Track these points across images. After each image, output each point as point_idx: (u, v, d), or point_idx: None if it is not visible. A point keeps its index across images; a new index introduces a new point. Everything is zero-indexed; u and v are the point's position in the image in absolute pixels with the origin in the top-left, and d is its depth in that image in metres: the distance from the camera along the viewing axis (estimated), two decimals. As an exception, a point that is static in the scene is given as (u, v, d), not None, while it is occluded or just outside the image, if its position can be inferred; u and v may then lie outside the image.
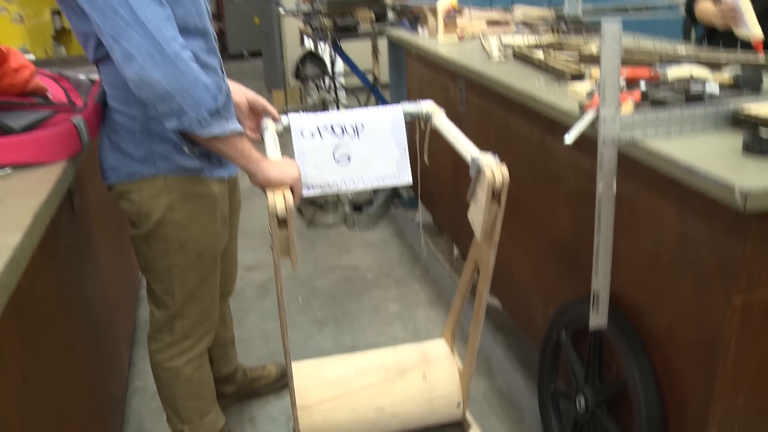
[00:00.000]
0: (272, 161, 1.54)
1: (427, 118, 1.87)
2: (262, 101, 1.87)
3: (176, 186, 1.59)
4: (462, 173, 2.96)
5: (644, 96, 1.56)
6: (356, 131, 1.76)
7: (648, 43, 2.53)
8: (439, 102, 3.10)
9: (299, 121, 1.72)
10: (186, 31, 1.46)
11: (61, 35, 4.72)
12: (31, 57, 3.37)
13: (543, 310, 2.22)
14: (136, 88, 1.36)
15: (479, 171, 1.50)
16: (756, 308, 1.31)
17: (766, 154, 1.27)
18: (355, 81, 4.72)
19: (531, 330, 2.35)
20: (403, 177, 1.82)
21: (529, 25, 3.35)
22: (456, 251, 3.31)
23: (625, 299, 1.67)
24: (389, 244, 3.71)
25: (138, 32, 1.30)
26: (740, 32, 2.38)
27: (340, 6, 4.07)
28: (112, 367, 2.13)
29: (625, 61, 2.23)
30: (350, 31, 4.11)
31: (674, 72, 1.75)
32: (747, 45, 2.38)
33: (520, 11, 3.64)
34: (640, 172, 1.47)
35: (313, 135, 1.73)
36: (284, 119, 1.75)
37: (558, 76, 2.09)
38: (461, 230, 3.13)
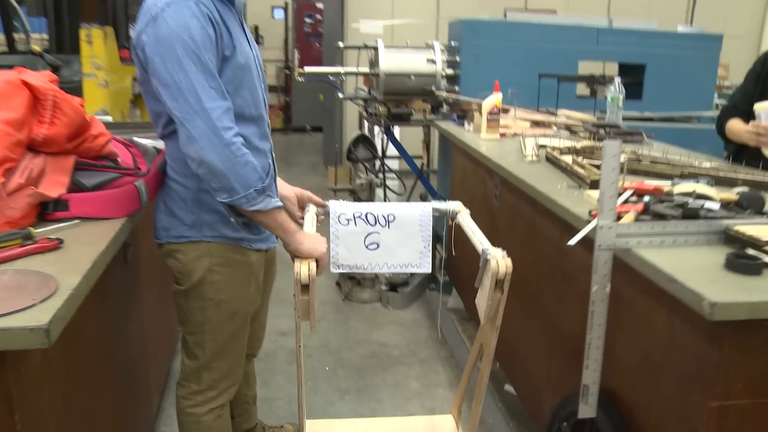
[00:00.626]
0: (305, 235, 1.75)
1: (452, 216, 2.06)
2: (307, 194, 2.10)
3: (218, 252, 1.80)
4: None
5: (646, 208, 1.70)
6: (387, 222, 1.96)
7: (676, 155, 2.67)
8: (477, 195, 3.31)
9: (338, 208, 1.94)
10: (242, 118, 1.71)
11: (137, 99, 5.14)
12: (109, 119, 3.71)
13: (551, 401, 2.31)
14: (196, 165, 1.60)
15: (486, 261, 1.65)
16: (732, 414, 1.40)
17: (743, 272, 1.39)
18: (405, 165, 4.95)
19: (539, 419, 2.43)
20: (424, 267, 2.02)
21: (569, 129, 3.53)
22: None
23: (620, 394, 1.76)
24: (419, 325, 3.83)
25: (202, 119, 1.55)
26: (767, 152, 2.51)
27: (395, 95, 4.34)
28: (142, 408, 2.29)
29: (648, 172, 2.38)
30: (403, 119, 4.37)
31: (681, 187, 1.89)
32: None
33: (564, 114, 3.84)
34: (639, 277, 1.60)
35: (348, 221, 1.94)
36: (327, 206, 1.98)
37: (580, 181, 2.25)
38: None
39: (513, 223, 2.77)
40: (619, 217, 1.66)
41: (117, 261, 1.84)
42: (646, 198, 1.77)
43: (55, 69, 4.30)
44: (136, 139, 2.18)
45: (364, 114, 4.75)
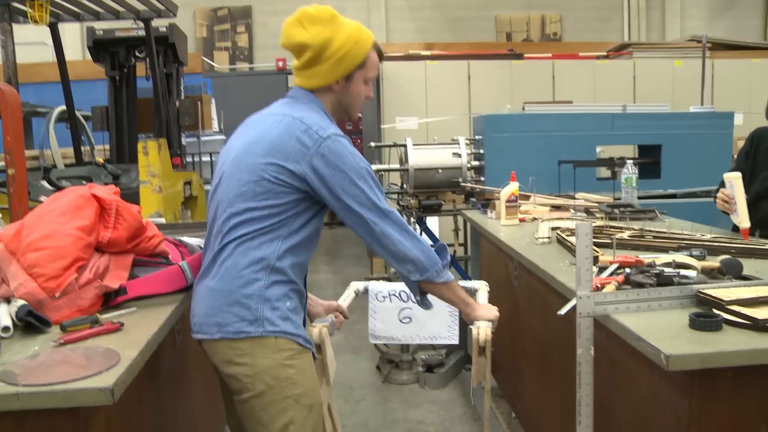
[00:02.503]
0: (479, 305, 2.10)
1: (473, 293, 2.30)
2: (334, 305, 2.30)
3: (285, 345, 1.87)
4: (517, 343, 3.30)
5: (627, 279, 1.91)
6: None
7: (681, 229, 2.86)
8: (501, 277, 3.53)
9: (376, 286, 2.21)
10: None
11: (188, 201, 5.58)
12: (162, 220, 4.10)
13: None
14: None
15: (470, 328, 1.91)
16: (709, 459, 1.56)
17: (703, 329, 1.59)
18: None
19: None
20: (452, 339, 2.26)
21: (587, 211, 3.76)
22: (513, 414, 3.55)
23: (619, 452, 1.93)
24: (455, 403, 3.99)
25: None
26: (734, 219, 2.70)
27: (424, 188, 4.66)
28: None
29: (649, 247, 2.59)
30: (433, 210, 4.67)
31: (664, 259, 2.10)
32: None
33: (583, 197, 4.07)
34: (625, 340, 1.80)
35: (384, 298, 2.20)
36: (366, 285, 2.25)
37: (581, 258, 2.47)
38: (518, 394, 3.40)
39: (530, 300, 2.98)
40: (602, 288, 1.88)
41: (167, 344, 2.12)
42: (628, 270, 1.99)
43: (115, 177, 4.79)
44: (184, 239, 2.50)
45: (398, 207, 5.08)
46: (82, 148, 6.05)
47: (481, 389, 4.12)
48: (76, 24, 6.17)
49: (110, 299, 1.96)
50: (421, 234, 5.04)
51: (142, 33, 5.36)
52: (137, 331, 1.73)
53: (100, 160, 4.69)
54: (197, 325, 1.89)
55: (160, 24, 5.45)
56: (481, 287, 2.35)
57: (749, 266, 2.13)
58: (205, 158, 6.60)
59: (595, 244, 2.65)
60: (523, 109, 4.95)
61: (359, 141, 11.10)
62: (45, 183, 4.44)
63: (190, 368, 2.58)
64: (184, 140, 5.96)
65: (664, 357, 1.46)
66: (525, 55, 7.85)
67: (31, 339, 1.70)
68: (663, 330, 1.62)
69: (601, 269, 2.11)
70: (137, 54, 5.79)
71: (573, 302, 1.86)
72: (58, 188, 4.42)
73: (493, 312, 2.05)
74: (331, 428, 2.19)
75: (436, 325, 2.29)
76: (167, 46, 5.61)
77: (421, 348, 4.85)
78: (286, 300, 1.88)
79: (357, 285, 2.43)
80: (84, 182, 4.78)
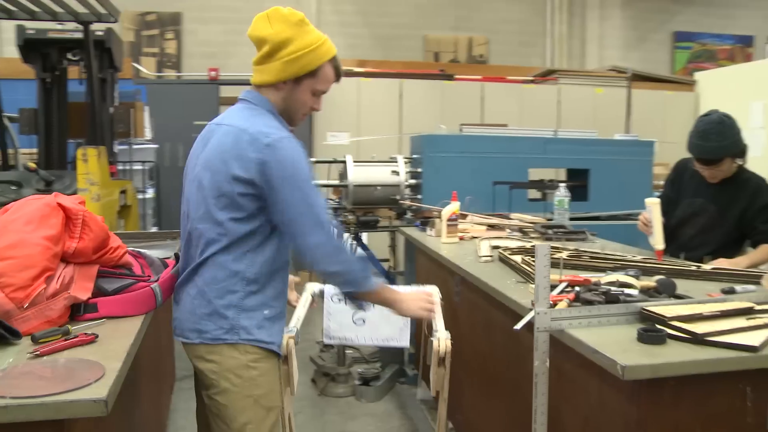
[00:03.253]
0: (405, 296, 2.18)
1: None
2: (293, 278, 2.35)
3: (253, 350, 1.99)
4: (457, 356, 3.42)
5: (577, 297, 2.07)
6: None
7: (613, 251, 3.07)
8: (440, 292, 3.64)
9: (332, 289, 2.26)
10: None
11: (122, 211, 5.48)
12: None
13: (513, 474, 2.58)
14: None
15: (431, 340, 2.01)
16: (654, 462, 1.72)
17: (650, 343, 1.75)
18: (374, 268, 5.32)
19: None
20: (403, 341, 2.34)
21: (521, 230, 3.94)
22: (450, 424, 3.67)
23: (567, 458, 2.07)
24: (391, 415, 4.08)
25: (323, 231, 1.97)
26: (650, 241, 2.94)
27: (363, 204, 4.76)
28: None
29: (586, 267, 2.77)
30: (370, 226, 4.77)
31: (607, 278, 2.27)
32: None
33: (517, 217, 4.27)
34: (575, 353, 1.94)
35: (339, 300, 2.25)
36: (321, 287, 2.29)
37: (526, 277, 2.62)
38: (457, 406, 3.52)
39: (472, 316, 3.11)
40: (555, 305, 2.02)
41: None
42: (577, 288, 2.14)
43: (48, 183, 4.65)
44: (142, 251, 2.50)
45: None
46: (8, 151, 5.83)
47: (416, 401, 4.26)
48: None
49: (78, 313, 1.95)
50: (355, 250, 5.14)
51: (76, 35, 5.24)
52: (113, 343, 1.75)
53: (32, 164, 4.54)
54: (178, 329, 2.04)
55: (96, 28, 5.33)
56: (434, 293, 2.43)
57: (678, 286, 2.33)
58: (137, 167, 6.47)
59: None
60: (461, 130, 5.13)
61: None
62: (-28, 188, 4.28)
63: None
64: (115, 148, 5.84)
65: (620, 368, 1.61)
66: (455, 76, 8.09)
67: (2, 351, 1.69)
68: (614, 343, 1.76)
69: (551, 287, 2.25)
70: (70, 57, 5.62)
71: (529, 317, 1.99)
72: (-13, 193, 4.28)
73: (423, 298, 2.17)
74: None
75: (389, 328, 2.37)
76: (103, 51, 5.48)
77: (357, 362, 4.93)
78: (263, 309, 2.00)
79: (313, 287, 2.48)
80: (14, 187, 4.63)
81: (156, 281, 2.13)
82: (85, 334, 1.76)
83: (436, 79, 7.99)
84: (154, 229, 6.60)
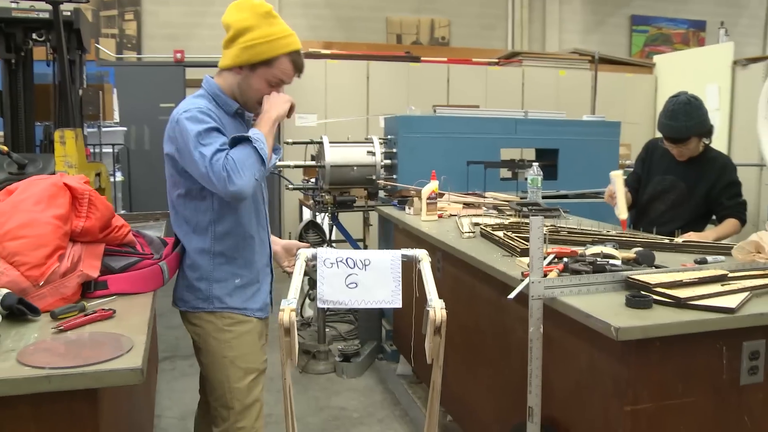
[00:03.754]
0: (267, 107, 2.17)
1: (417, 261, 2.44)
2: (293, 243, 2.54)
3: (227, 315, 2.22)
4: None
5: (566, 267, 2.19)
6: (364, 265, 2.30)
7: (588, 226, 3.21)
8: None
9: (324, 253, 2.32)
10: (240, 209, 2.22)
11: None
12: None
13: (500, 437, 2.72)
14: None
15: (427, 312, 2.11)
16: (642, 415, 1.86)
17: (638, 307, 1.88)
18: (349, 247, 5.41)
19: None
20: (396, 303, 2.30)
21: (497, 208, 4.07)
22: (432, 396, 3.80)
23: (558, 418, 2.20)
24: (373, 390, 4.20)
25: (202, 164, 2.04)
26: (615, 211, 3.10)
27: (340, 185, 4.83)
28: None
29: (566, 241, 2.91)
30: (347, 205, 4.85)
31: (591, 250, 2.40)
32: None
33: (491, 196, 4.40)
34: (565, 320, 2.06)
35: (332, 264, 2.32)
36: (314, 252, 2.34)
37: (511, 251, 2.74)
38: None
39: (455, 291, 3.23)
40: (545, 275, 2.14)
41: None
42: (565, 259, 2.27)
43: (21, 166, 4.60)
44: (141, 230, 2.54)
45: (310, 203, 5.21)
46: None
47: (395, 376, 4.39)
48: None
49: (89, 290, 2.00)
50: (332, 232, 5.23)
51: (42, 15, 5.15)
52: (131, 318, 1.81)
53: (4, 147, 4.48)
54: (174, 297, 2.32)
55: (64, 8, 5.25)
56: (423, 257, 2.48)
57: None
58: (107, 149, 6.41)
59: (519, 239, 2.95)
60: (434, 111, 5.23)
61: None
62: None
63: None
64: (85, 131, 5.77)
65: (614, 329, 1.74)
66: (421, 58, 8.17)
67: (24, 327, 1.73)
68: (605, 309, 1.90)
69: (539, 259, 2.38)
70: (36, 37, 5.53)
71: (523, 285, 2.11)
72: (-40, 176, 4.22)
73: (281, 102, 2.17)
74: (289, 407, 2.32)
75: (381, 290, 2.41)
76: (71, 32, 5.40)
77: (336, 339, 5.04)
78: (234, 278, 2.25)
79: (306, 252, 2.52)
80: (-15, 171, 4.57)
81: (162, 259, 2.19)
82: (103, 309, 1.81)
83: (402, 61, 8.05)
84: (122, 212, 6.56)
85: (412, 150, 4.81)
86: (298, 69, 2.18)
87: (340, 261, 2.35)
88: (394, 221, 4.24)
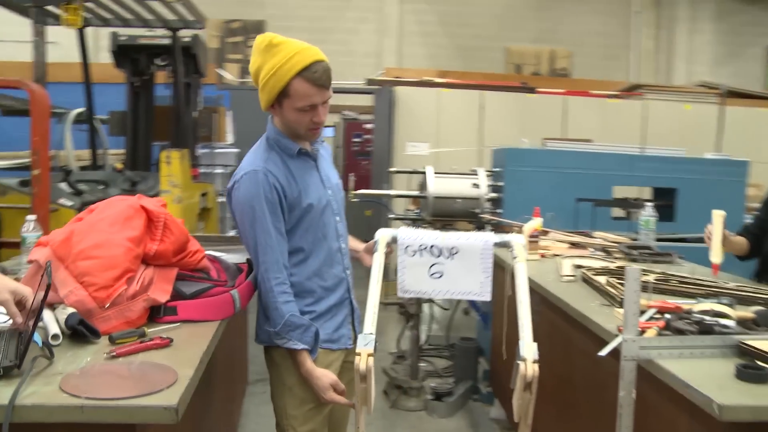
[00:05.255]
0: (316, 377, 2.12)
1: (510, 250, 2.20)
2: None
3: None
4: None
5: (668, 325, 1.94)
6: (451, 254, 2.10)
7: (703, 275, 2.89)
8: (516, 314, 3.53)
9: (406, 240, 2.10)
10: (308, 251, 2.19)
11: (203, 213, 5.59)
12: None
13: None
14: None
15: (517, 365, 1.90)
16: None
17: (750, 381, 1.61)
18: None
19: None
20: (485, 295, 2.14)
21: (605, 250, 3.79)
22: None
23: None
24: (462, 434, 3.99)
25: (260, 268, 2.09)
26: (710, 254, 2.77)
27: (442, 216, 4.69)
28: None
29: (675, 292, 2.62)
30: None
31: (700, 306, 2.13)
32: None
33: (600, 236, 4.11)
34: (663, 385, 1.82)
35: (414, 253, 2.10)
36: (395, 232, 2.16)
37: (611, 300, 2.50)
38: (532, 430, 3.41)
39: (551, 338, 2.99)
40: (643, 332, 1.91)
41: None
42: (668, 315, 2.02)
43: (133, 184, 4.80)
44: (216, 254, 2.51)
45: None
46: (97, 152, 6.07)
47: (489, 420, 4.15)
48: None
49: (158, 315, 1.97)
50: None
51: (164, 41, 5.40)
52: (188, 348, 1.75)
53: (119, 165, 4.70)
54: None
55: (183, 34, 5.49)
56: (518, 250, 2.20)
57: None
58: (218, 170, 6.62)
59: (623, 286, 2.69)
60: (544, 144, 5.01)
61: (364, 162, 11.14)
62: (64, 185, 4.45)
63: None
64: (197, 151, 5.98)
65: (716, 406, 1.49)
66: (537, 89, 7.93)
67: (81, 349, 1.71)
68: (709, 379, 1.64)
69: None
70: (158, 62, 5.81)
71: (616, 343, 1.88)
72: (77, 191, 4.43)
73: (325, 386, 2.11)
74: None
75: (469, 281, 2.15)
76: (189, 57, 5.64)
77: (430, 375, 4.85)
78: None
79: (385, 235, 2.21)
80: (101, 186, 4.79)
81: (234, 287, 2.13)
82: (161, 337, 1.76)
83: (517, 91, 7.84)
84: (232, 233, 6.72)
85: (520, 184, 4.60)
86: (316, 83, 2.01)
87: (424, 249, 2.11)
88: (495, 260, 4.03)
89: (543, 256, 3.65)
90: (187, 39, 5.58)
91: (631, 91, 8.08)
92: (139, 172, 5.16)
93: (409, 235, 2.12)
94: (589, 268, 3.06)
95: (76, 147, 6.36)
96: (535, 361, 1.93)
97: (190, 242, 2.20)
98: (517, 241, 2.19)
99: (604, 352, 1.91)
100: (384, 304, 4.90)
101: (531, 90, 7.88)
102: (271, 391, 2.24)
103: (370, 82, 8.56)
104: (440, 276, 2.09)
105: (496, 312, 4.42)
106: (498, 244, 2.16)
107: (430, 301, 4.92)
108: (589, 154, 4.75)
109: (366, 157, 11.12)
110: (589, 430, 2.50)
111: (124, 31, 5.60)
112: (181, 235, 2.09)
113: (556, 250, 3.78)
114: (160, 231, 2.05)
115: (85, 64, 5.26)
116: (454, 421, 4.20)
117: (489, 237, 2.14)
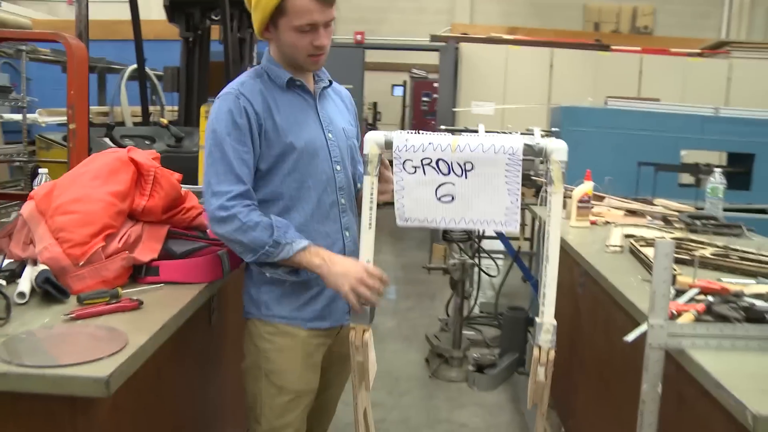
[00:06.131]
0: (334, 263, 1.77)
1: (545, 156, 1.68)
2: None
3: (272, 324, 1.92)
4: (576, 355, 3.06)
5: (708, 309, 1.66)
6: (464, 171, 1.64)
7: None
8: (565, 282, 3.27)
9: (403, 152, 1.63)
10: (293, 199, 1.90)
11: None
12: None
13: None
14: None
15: (532, 346, 1.68)
16: None
17: (799, 382, 1.34)
18: (500, 245, 4.99)
19: None
20: (511, 225, 1.66)
21: (665, 219, 3.45)
22: (563, 429, 3.32)
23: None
24: (503, 409, 3.78)
25: (211, 199, 1.78)
26: None
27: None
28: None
29: (733, 269, 2.31)
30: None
31: (755, 288, 1.83)
32: None
33: (662, 204, 3.76)
34: (697, 381, 1.56)
35: (416, 169, 1.63)
36: (389, 134, 1.70)
37: (655, 275, 2.21)
38: (571, 410, 3.17)
39: (593, 313, 2.74)
40: (679, 315, 1.64)
41: (199, 324, 2.00)
42: (711, 298, 1.73)
43: (178, 139, 4.71)
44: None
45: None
46: (153, 108, 6.03)
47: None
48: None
49: (140, 275, 1.84)
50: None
51: (218, -5, 5.25)
52: (156, 312, 1.60)
53: (164, 121, 4.62)
54: None
55: (237, -13, 5.33)
56: (554, 162, 1.68)
57: None
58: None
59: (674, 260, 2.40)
60: (606, 103, 4.64)
61: (432, 122, 10.87)
62: (107, 140, 4.40)
63: (226, 350, 2.45)
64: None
65: (750, 416, 1.23)
66: (612, 47, 7.44)
67: (46, 309, 1.60)
68: (750, 378, 1.37)
69: (679, 292, 1.86)
70: (212, 17, 5.68)
71: (643, 329, 1.62)
72: (120, 146, 4.38)
73: (354, 269, 1.74)
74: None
75: (490, 206, 1.63)
76: (242, 11, 5.47)
77: (475, 345, 4.64)
78: (282, 281, 1.89)
79: (375, 138, 1.71)
80: (147, 142, 4.73)
81: (224, 246, 1.97)
82: (130, 299, 1.62)
83: (590, 49, 7.38)
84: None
85: (577, 145, 4.24)
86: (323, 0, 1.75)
87: (428, 164, 1.64)
88: (542, 224, 3.76)
89: (594, 223, 3.36)
90: (240, -7, 5.42)
91: (716, 48, 7.47)
92: (185, 127, 5.07)
93: (406, 142, 1.63)
94: (640, 239, 2.76)
95: (137, 103, 6.36)
96: (551, 348, 1.70)
97: (187, 198, 2.05)
98: (556, 146, 1.65)
99: (630, 338, 1.66)
100: (427, 270, 4.71)
101: (605, 48, 7.40)
102: (245, 371, 1.99)
103: (434, 38, 8.24)
104: (451, 199, 1.63)
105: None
106: (529, 151, 1.64)
107: (475, 265, 4.66)
108: (655, 114, 4.35)
109: (433, 116, 10.83)
110: (627, 417, 2.24)
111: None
112: (172, 189, 1.94)
113: (610, 217, 3.48)
114: (150, 186, 1.90)
115: (135, 19, 5.17)
116: (495, 394, 3.99)
117: (515, 141, 1.64)
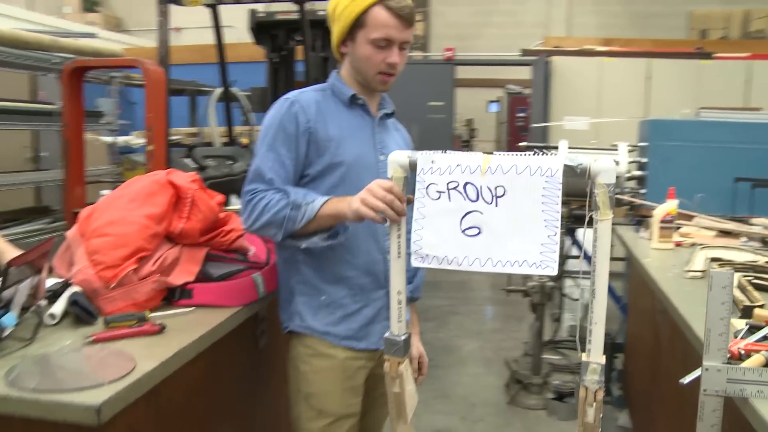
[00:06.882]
0: (350, 199, 1.67)
1: (590, 175, 1.42)
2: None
3: (310, 342, 1.87)
4: (655, 384, 2.83)
5: (785, 348, 1.45)
6: (494, 197, 1.42)
7: None
8: (646, 308, 3.05)
9: (429, 175, 1.42)
10: None
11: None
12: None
13: None
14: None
15: (578, 384, 1.53)
16: None
17: None
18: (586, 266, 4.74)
19: None
20: (547, 267, 1.38)
21: (763, 240, 3.15)
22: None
23: None
24: (581, 442, 3.54)
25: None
26: None
27: (576, 196, 4.20)
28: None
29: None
30: (583, 221, 4.20)
31: None
32: None
33: (762, 223, 3.44)
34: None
35: (440, 195, 1.43)
36: (413, 155, 1.49)
37: (734, 305, 1.99)
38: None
39: (672, 343, 2.51)
40: (748, 356, 1.44)
41: (245, 347, 2.00)
42: (787, 336, 1.52)
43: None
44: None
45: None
46: (243, 128, 6.18)
47: (615, 427, 3.68)
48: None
49: (174, 298, 1.82)
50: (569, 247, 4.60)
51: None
52: (176, 338, 1.56)
53: (245, 141, 4.70)
54: None
55: (320, 7, 5.40)
56: (600, 185, 1.43)
57: None
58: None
59: (760, 288, 2.16)
60: (698, 114, 4.32)
61: (526, 138, 10.60)
62: (188, 161, 4.52)
63: (277, 373, 2.39)
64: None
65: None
66: (715, 55, 6.98)
67: (73, 330, 1.61)
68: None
69: (753, 328, 1.65)
70: (296, 38, 5.79)
71: (698, 372, 1.44)
72: (201, 167, 4.49)
73: (370, 189, 1.56)
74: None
75: (523, 242, 1.38)
76: (325, 30, 5.53)
77: (558, 371, 4.41)
78: (318, 294, 1.87)
79: (398, 159, 1.50)
80: (229, 162, 4.84)
81: (258, 269, 1.93)
82: (153, 323, 1.59)
83: (690, 58, 6.95)
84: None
85: (667, 161, 3.99)
86: (398, 13, 1.74)
87: (454, 188, 1.42)
88: (623, 245, 3.53)
89: (679, 245, 3.10)
90: (322, 12, 5.49)
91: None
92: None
93: (432, 164, 1.42)
94: (727, 262, 2.52)
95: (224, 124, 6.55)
96: (599, 388, 1.54)
97: (228, 221, 2.03)
98: (603, 166, 1.37)
99: (686, 380, 1.47)
100: (506, 291, 4.52)
101: (706, 55, 6.95)
102: (289, 394, 1.97)
103: (526, 52, 8.04)
104: (477, 233, 1.39)
105: (631, 303, 3.89)
106: (570, 173, 1.39)
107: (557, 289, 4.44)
108: (754, 125, 3.99)
109: (527, 133, 10.57)
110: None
111: (262, 8, 5.62)
112: (210, 213, 1.92)
113: (699, 238, 3.20)
114: (188, 208, 1.89)
115: (219, 42, 5.32)
116: (574, 425, 3.74)
117: (554, 162, 1.40)
